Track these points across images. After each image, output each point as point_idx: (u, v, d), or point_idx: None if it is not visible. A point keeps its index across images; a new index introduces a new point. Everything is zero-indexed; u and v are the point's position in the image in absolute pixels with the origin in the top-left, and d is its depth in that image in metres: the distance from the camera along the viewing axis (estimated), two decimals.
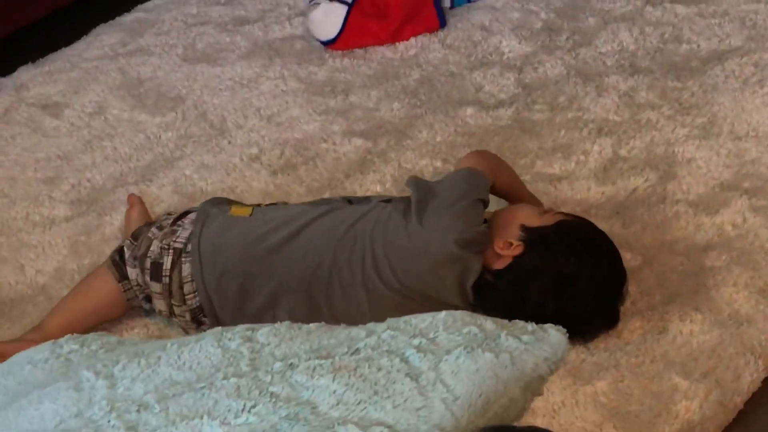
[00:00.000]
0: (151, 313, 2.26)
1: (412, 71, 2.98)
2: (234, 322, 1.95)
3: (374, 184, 2.55)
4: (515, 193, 2.33)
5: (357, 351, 1.24)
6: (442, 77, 2.95)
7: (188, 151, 2.75)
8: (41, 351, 1.38)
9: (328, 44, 3.12)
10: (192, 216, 2.23)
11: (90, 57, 3.23)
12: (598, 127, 2.66)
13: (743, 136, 2.57)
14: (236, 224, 2.19)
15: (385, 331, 1.27)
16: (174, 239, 2.16)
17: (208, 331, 1.35)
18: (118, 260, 2.23)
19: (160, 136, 2.82)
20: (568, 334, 1.34)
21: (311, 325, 1.34)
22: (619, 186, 2.47)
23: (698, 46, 2.93)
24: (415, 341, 1.24)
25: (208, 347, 1.29)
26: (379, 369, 1.21)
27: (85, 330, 2.11)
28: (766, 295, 2.15)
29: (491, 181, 2.19)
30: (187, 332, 2.20)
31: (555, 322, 1.43)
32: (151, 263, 2.16)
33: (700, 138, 2.58)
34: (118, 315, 2.26)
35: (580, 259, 2.05)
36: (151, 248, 2.17)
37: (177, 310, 2.15)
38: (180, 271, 2.12)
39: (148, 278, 2.16)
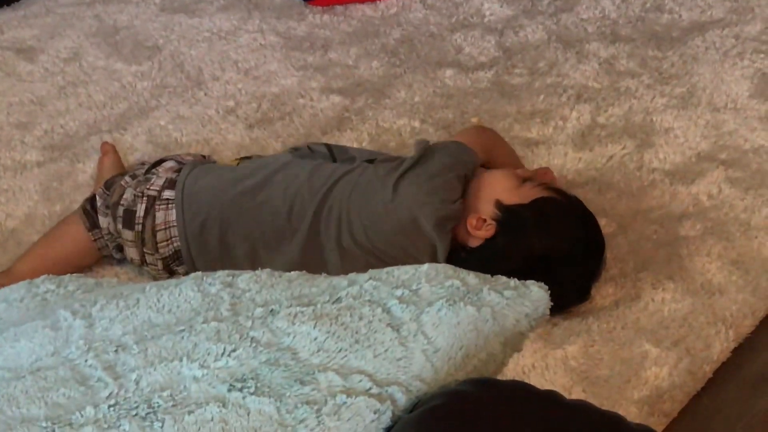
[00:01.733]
0: (122, 262, 2.25)
1: (393, 30, 2.96)
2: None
3: (351, 142, 2.53)
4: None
5: (339, 300, 1.24)
6: (422, 37, 2.94)
7: (164, 102, 2.72)
8: (17, 290, 1.37)
9: (308, 0, 3.09)
10: (168, 164, 2.21)
11: (66, 3, 3.19)
12: (577, 94, 2.66)
13: (721, 107, 2.57)
14: (217, 170, 2.17)
15: (367, 281, 1.27)
16: (148, 186, 2.14)
17: (188, 276, 1.34)
18: (89, 209, 2.21)
19: (135, 85, 2.79)
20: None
21: (292, 273, 1.33)
22: (596, 153, 2.47)
23: (680, 16, 2.92)
24: (398, 292, 1.24)
25: (188, 291, 1.28)
26: (361, 318, 1.20)
27: None
28: (738, 266, 2.15)
29: (480, 160, 2.16)
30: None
31: None
32: (124, 211, 2.14)
33: (678, 108, 2.58)
34: (89, 263, 2.25)
35: (554, 240, 2.02)
36: (124, 196, 2.15)
37: (149, 258, 2.13)
38: (153, 218, 2.10)
39: (120, 226, 2.14)
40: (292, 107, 2.68)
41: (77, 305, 1.28)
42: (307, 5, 3.09)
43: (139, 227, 2.12)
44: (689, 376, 1.95)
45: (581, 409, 1.15)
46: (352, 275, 1.30)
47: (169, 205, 2.11)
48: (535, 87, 2.70)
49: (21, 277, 2.07)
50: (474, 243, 2.06)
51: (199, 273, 1.32)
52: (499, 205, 2.06)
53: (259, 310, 1.22)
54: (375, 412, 1.13)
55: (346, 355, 1.17)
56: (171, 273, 2.13)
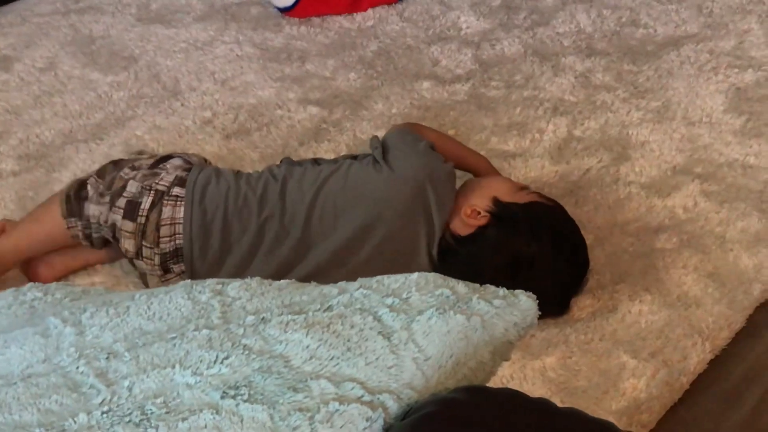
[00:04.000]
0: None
1: (370, 42, 2.97)
2: (209, 274, 1.94)
3: (329, 153, 2.54)
4: (466, 161, 2.32)
5: (330, 308, 1.24)
6: (399, 50, 2.95)
7: (140, 112, 2.72)
8: (4, 297, 1.36)
9: (285, 11, 3.10)
10: (176, 162, 2.20)
11: (42, 12, 3.18)
12: (554, 107, 2.67)
13: (696, 121, 2.60)
14: (225, 175, 2.17)
15: (357, 290, 1.27)
16: (156, 181, 2.13)
17: (177, 284, 1.34)
18: (72, 197, 2.19)
19: (111, 95, 2.79)
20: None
21: (282, 281, 1.33)
22: (572, 165, 2.48)
23: (655, 30, 2.95)
24: (388, 300, 1.24)
25: (178, 299, 1.28)
26: (352, 326, 1.20)
27: (32, 254, 2.20)
28: (714, 278, 2.17)
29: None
30: (144, 282, 2.18)
31: None
32: (127, 202, 2.12)
33: (654, 122, 2.60)
34: (61, 246, 2.23)
35: (543, 245, 2.04)
36: (128, 188, 2.13)
37: (146, 252, 2.11)
38: (159, 213, 2.09)
39: (119, 216, 2.12)
40: (270, 118, 2.68)
41: (67, 312, 1.28)
42: (284, 17, 3.10)
43: (142, 219, 2.10)
44: (666, 388, 1.96)
45: (573, 416, 1.16)
46: (342, 284, 1.30)
47: (178, 202, 2.10)
48: (511, 100, 2.71)
49: (3, 254, 2.14)
50: (465, 231, 2.08)
51: (189, 281, 1.32)
52: (495, 200, 2.09)
53: (250, 318, 1.22)
54: (367, 420, 1.14)
55: (338, 363, 1.17)
56: (166, 270, 2.12)
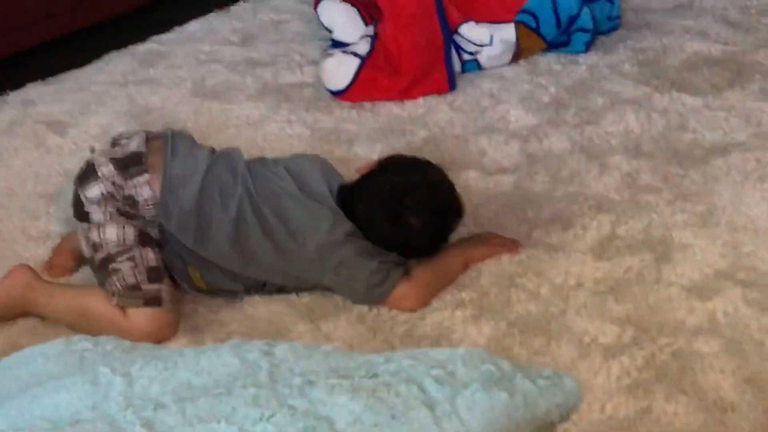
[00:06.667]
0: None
1: (419, 130, 3.01)
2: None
3: None
4: None
5: (376, 375, 1.25)
6: (447, 138, 2.98)
7: None
8: (54, 346, 1.38)
9: (337, 94, 3.15)
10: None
11: (99, 81, 3.25)
12: (598, 204, 2.69)
13: (740, 228, 2.60)
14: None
15: (404, 359, 1.28)
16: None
17: (225, 343, 1.35)
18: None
19: None
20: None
21: (327, 347, 1.35)
22: (614, 263, 2.49)
23: (703, 136, 2.97)
24: (434, 372, 1.25)
25: (226, 356, 1.30)
26: (398, 394, 1.21)
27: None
28: (752, 384, 2.16)
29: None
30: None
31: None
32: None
33: (698, 226, 2.60)
34: None
35: (413, 181, 2.44)
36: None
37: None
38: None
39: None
40: None
41: (117, 363, 1.30)
42: (336, 99, 3.15)
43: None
44: None
45: None
46: (388, 353, 1.32)
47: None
48: (556, 194, 2.73)
49: (36, 302, 2.35)
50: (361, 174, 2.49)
51: (237, 341, 1.34)
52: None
53: (297, 380, 1.24)
54: None
55: (381, 430, 1.18)
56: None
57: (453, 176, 2.78)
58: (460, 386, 1.23)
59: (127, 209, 2.32)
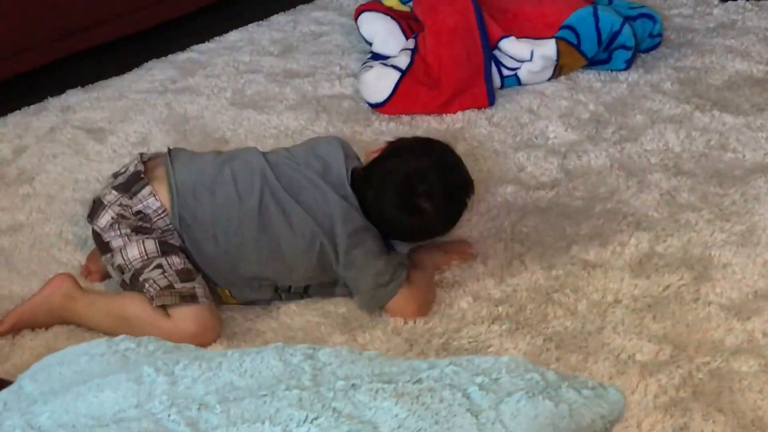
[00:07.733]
0: None
1: (457, 144, 3.00)
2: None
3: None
4: None
5: (419, 380, 1.25)
6: (485, 153, 2.97)
7: None
8: (97, 345, 1.39)
9: (376, 107, 3.15)
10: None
11: (139, 89, 3.27)
12: (637, 221, 2.67)
13: None
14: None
15: (448, 366, 1.28)
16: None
17: (268, 345, 1.35)
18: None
19: None
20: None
21: (371, 352, 1.34)
22: (653, 281, 2.47)
23: (743, 156, 2.94)
24: (478, 379, 1.25)
25: (270, 359, 1.30)
26: (441, 400, 1.21)
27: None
28: None
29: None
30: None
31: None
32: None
33: (737, 245, 2.58)
34: None
35: (421, 164, 2.41)
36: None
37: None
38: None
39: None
40: None
41: (160, 363, 1.30)
42: (374, 112, 3.15)
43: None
44: None
45: None
46: (432, 359, 1.32)
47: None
48: (594, 211, 2.72)
49: (75, 312, 2.38)
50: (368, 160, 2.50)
51: (280, 344, 1.34)
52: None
53: (340, 383, 1.24)
54: None
55: None
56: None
57: (491, 191, 2.79)
58: (505, 394, 1.22)
59: (141, 224, 2.34)
